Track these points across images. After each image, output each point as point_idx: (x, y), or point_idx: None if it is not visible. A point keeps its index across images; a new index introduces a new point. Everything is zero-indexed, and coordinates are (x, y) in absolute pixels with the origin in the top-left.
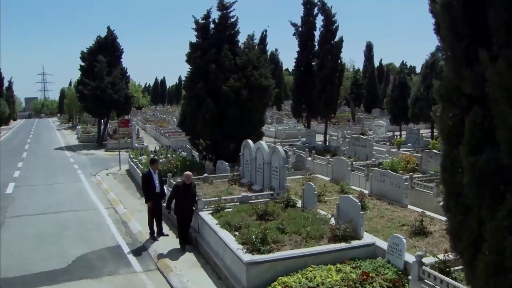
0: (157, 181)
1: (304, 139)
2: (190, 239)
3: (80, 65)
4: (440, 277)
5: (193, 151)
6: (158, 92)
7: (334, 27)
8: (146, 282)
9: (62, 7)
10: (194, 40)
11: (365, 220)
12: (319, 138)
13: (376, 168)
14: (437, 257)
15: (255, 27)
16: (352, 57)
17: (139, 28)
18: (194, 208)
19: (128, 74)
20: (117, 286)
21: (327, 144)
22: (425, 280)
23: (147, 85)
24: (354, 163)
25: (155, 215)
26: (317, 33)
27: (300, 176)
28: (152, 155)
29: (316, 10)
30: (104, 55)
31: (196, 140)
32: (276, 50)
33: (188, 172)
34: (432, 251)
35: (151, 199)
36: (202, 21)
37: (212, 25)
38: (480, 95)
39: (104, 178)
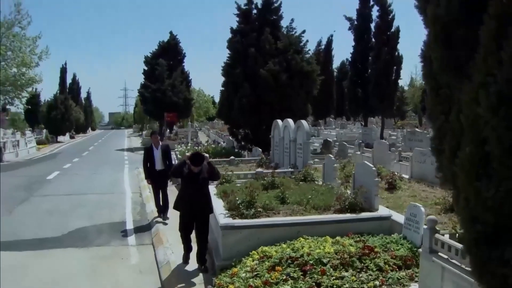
0: (158, 157)
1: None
2: (206, 265)
3: (144, 69)
4: (455, 246)
5: (234, 142)
6: None
7: (390, 17)
8: (133, 254)
9: (147, 25)
10: (235, 26)
11: (392, 198)
12: None
13: (417, 148)
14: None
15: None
16: None
17: (215, 43)
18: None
19: (190, 78)
20: (100, 256)
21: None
22: (440, 254)
23: None
24: (402, 153)
25: (161, 194)
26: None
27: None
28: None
29: (371, 2)
30: (166, 59)
31: (235, 130)
32: (346, 59)
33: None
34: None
35: (150, 176)
36: (245, 7)
37: (254, 11)
38: None
39: None
